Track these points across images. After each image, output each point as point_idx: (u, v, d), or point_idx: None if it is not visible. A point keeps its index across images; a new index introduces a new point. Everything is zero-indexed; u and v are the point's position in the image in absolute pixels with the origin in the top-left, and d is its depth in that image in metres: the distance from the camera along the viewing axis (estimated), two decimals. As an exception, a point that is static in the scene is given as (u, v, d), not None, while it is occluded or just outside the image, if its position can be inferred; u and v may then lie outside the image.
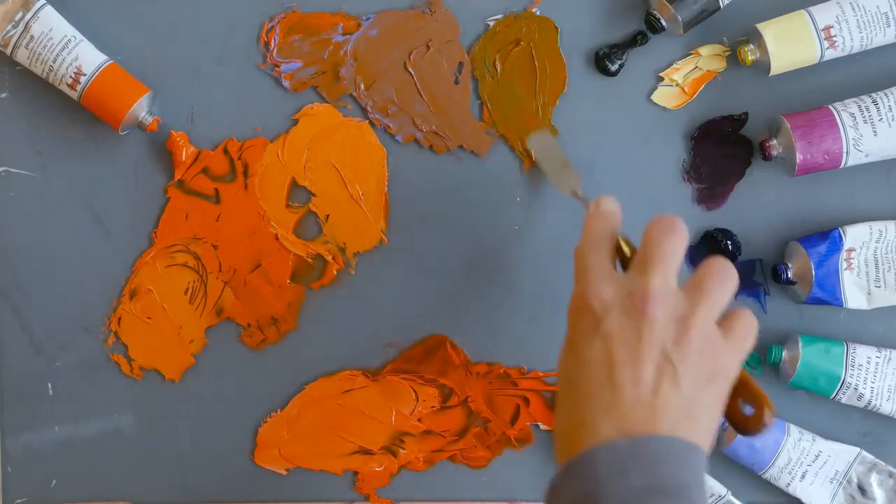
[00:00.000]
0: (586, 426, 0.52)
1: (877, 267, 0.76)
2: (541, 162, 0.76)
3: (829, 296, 0.75)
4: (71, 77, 0.75)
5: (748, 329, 0.56)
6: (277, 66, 0.78)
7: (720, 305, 0.55)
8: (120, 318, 0.80)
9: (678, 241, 0.56)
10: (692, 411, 0.52)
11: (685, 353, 0.53)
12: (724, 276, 0.55)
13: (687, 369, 0.52)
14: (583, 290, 0.56)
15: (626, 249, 0.61)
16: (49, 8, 0.76)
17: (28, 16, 0.75)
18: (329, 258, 0.79)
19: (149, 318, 0.80)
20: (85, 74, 0.75)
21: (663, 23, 0.75)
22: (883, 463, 0.78)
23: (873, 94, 0.74)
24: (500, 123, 0.78)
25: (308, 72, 0.79)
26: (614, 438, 0.51)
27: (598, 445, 0.51)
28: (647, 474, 0.49)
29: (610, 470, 0.50)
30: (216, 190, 0.79)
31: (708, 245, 0.78)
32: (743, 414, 0.56)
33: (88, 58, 0.75)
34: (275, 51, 0.78)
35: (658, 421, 0.51)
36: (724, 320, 0.55)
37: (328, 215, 0.79)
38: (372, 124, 0.79)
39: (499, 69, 0.78)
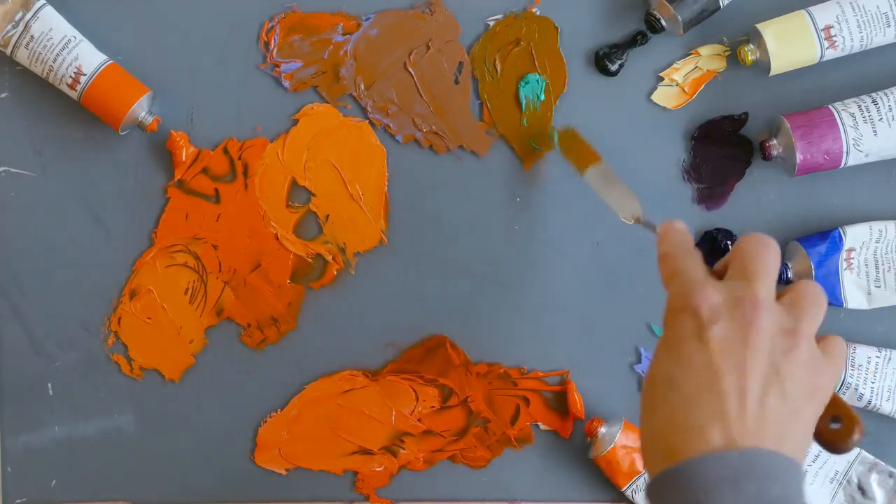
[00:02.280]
0: (692, 431, 0.50)
1: (877, 267, 0.76)
2: (600, 192, 0.75)
3: (829, 296, 0.75)
4: (71, 77, 0.75)
5: (842, 353, 0.55)
6: (277, 66, 0.78)
7: (818, 325, 0.54)
8: (120, 318, 0.80)
9: (775, 256, 0.55)
10: (793, 427, 0.51)
11: (793, 366, 0.51)
12: (820, 297, 0.55)
13: (794, 383, 0.51)
14: (684, 292, 0.54)
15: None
16: (49, 8, 0.76)
17: (28, 16, 0.75)
18: (329, 258, 0.79)
19: (149, 318, 0.80)
20: (85, 74, 0.75)
21: (663, 23, 0.75)
22: (883, 463, 0.78)
23: (873, 94, 0.74)
24: (500, 123, 0.78)
25: (308, 72, 0.79)
26: (722, 448, 0.49)
27: (707, 455, 0.49)
28: (758, 490, 0.48)
29: (721, 482, 0.48)
30: (216, 190, 0.79)
31: (708, 245, 0.78)
32: (831, 429, 0.55)
33: (88, 58, 0.75)
34: (275, 51, 0.78)
35: (765, 434, 0.50)
36: (819, 343, 0.55)
37: (328, 215, 0.79)
38: (372, 124, 0.79)
39: (499, 69, 0.78)
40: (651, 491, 0.51)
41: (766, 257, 0.55)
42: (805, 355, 0.52)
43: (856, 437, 0.55)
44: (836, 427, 0.55)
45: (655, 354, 0.54)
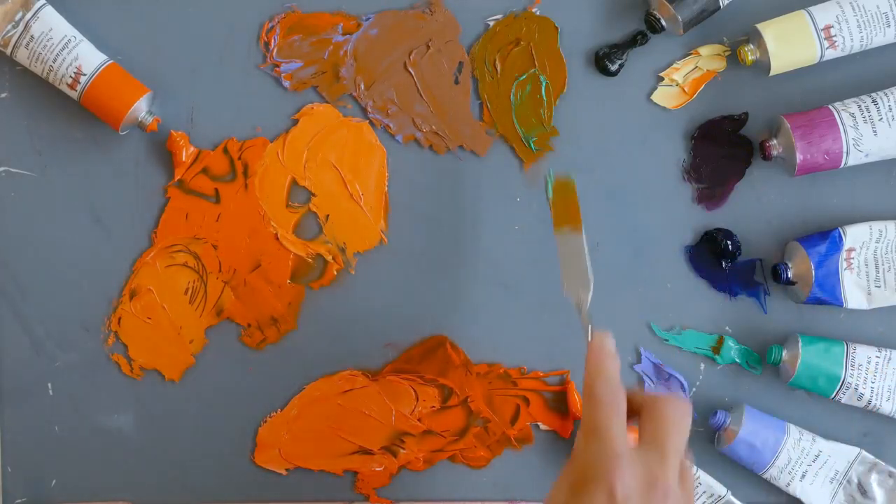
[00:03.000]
0: None
1: (877, 267, 0.76)
2: (561, 257, 0.73)
3: (829, 296, 0.75)
4: (71, 77, 0.75)
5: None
6: (277, 66, 0.78)
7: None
8: (120, 318, 0.80)
9: (690, 424, 0.59)
10: None
11: None
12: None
13: None
14: (603, 463, 0.57)
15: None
16: (49, 8, 0.76)
17: (28, 16, 0.75)
18: (329, 258, 0.79)
19: (149, 318, 0.80)
20: (85, 74, 0.75)
21: (663, 23, 0.75)
22: (883, 463, 0.78)
23: (873, 94, 0.74)
24: (499, 123, 0.79)
25: (308, 72, 0.79)
26: None
27: None
28: None
29: None
30: (216, 190, 0.79)
31: (708, 245, 0.78)
32: None
33: (88, 58, 0.75)
34: (275, 51, 0.78)
35: None
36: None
37: (328, 215, 0.79)
38: (372, 124, 0.79)
39: (499, 69, 0.78)
40: None
41: (684, 431, 0.58)
42: None
43: None
44: None
45: (557, 491, 0.58)
